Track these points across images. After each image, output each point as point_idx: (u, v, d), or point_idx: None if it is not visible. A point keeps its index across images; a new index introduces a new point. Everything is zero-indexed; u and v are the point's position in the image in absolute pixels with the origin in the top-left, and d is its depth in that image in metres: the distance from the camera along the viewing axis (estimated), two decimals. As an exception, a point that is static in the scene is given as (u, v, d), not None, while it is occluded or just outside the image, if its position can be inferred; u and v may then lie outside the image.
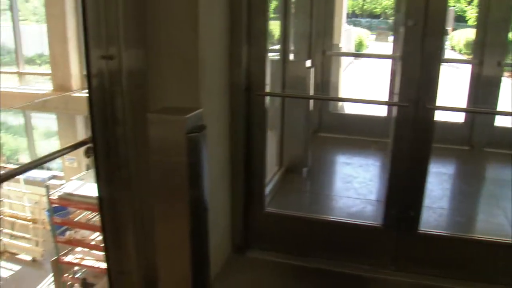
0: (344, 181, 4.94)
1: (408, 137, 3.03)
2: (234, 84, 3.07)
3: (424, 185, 3.10)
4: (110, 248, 2.76)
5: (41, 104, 9.67)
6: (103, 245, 2.84)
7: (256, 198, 3.37)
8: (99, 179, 2.63)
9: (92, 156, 2.61)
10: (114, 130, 2.57)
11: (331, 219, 3.49)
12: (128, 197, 2.70)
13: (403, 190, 3.15)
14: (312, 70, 4.84)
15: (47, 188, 8.59)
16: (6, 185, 10.55)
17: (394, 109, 3.16)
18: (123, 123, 2.57)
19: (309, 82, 4.76)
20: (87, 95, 2.50)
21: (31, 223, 10.33)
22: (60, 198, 8.47)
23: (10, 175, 2.48)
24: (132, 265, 2.84)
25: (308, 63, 4.86)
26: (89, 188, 8.47)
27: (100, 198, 2.66)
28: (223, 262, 3.32)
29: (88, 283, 6.58)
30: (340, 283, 3.22)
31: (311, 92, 4.90)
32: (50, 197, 8.48)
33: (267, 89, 3.23)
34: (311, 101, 5.10)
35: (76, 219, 8.47)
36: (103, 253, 2.88)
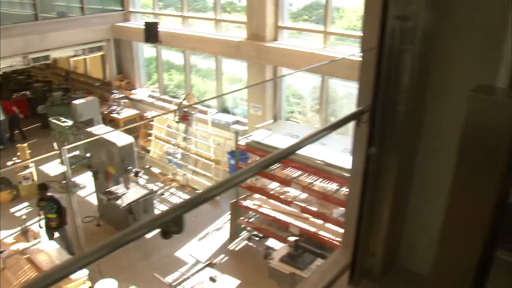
0: None
1: None
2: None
3: None
4: (363, 224, 2.57)
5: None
6: (354, 218, 2.66)
7: None
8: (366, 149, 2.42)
9: (363, 125, 2.39)
10: (396, 96, 2.31)
11: None
12: (393, 172, 2.46)
13: None
14: None
15: (236, 133, 8.92)
16: (194, 124, 11.25)
17: None
18: (407, 91, 2.29)
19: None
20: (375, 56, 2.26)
21: (213, 163, 10.95)
22: (248, 145, 8.76)
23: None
24: (379, 247, 2.63)
25: None
26: (275, 139, 8.61)
27: (364, 169, 2.46)
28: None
29: (299, 245, 6.66)
30: None
31: None
32: (238, 142, 8.82)
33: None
34: None
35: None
36: (347, 227, 2.71)
